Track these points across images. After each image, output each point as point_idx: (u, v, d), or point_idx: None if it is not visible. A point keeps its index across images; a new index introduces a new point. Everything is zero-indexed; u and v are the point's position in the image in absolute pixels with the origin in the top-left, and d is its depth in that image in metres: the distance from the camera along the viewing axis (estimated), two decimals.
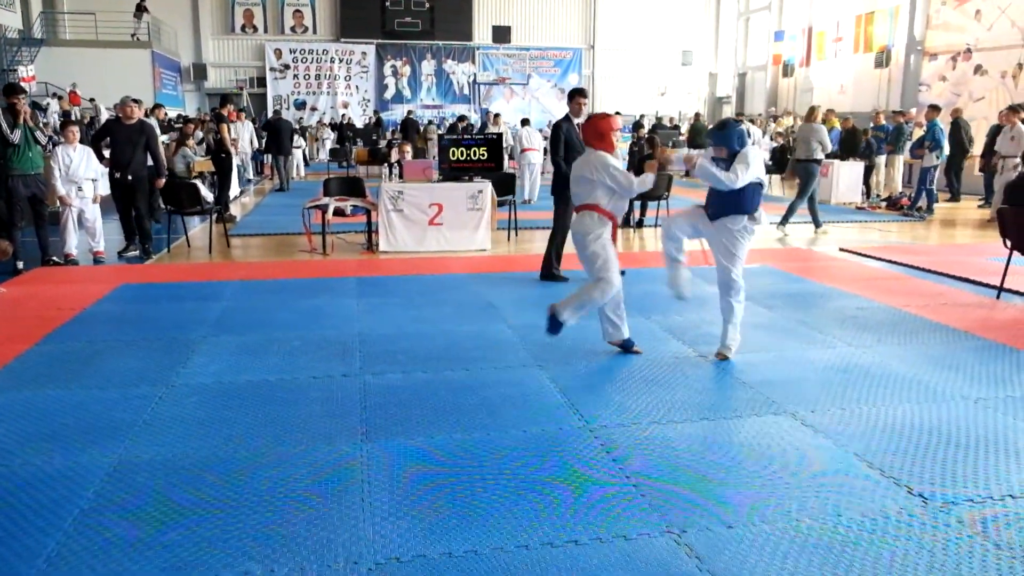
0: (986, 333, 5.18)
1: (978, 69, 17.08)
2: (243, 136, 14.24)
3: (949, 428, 3.57)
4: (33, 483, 3.00)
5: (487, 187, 8.59)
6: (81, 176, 7.75)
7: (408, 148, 11.15)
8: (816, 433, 3.52)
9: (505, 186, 9.74)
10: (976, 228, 10.73)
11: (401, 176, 8.93)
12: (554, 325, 4.46)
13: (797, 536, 2.64)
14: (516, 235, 9.62)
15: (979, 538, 2.64)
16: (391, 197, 8.39)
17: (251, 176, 17.39)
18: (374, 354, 4.69)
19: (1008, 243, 6.17)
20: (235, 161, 12.44)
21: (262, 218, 11.52)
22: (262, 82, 28.45)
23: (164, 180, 8.50)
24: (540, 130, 17.66)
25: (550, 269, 6.92)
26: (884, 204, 12.89)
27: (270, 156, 16.61)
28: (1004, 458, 3.26)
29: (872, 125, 14.71)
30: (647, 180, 4.54)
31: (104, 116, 16.52)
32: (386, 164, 9.94)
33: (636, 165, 10.04)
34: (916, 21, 19.24)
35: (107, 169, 8.22)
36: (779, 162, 16.56)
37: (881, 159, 14.04)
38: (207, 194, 8.71)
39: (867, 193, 13.76)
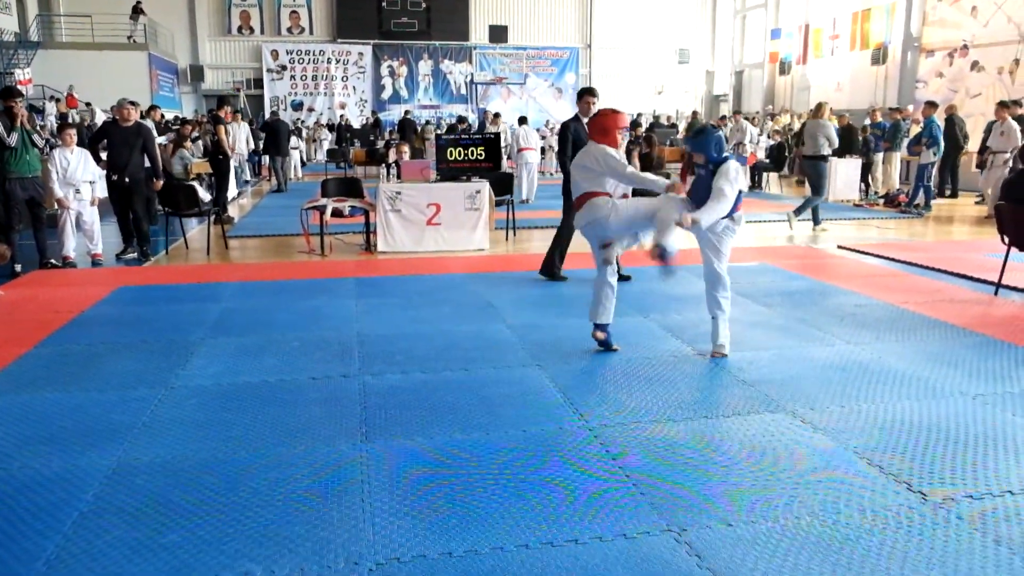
0: (984, 329, 5.18)
1: (975, 65, 17.09)
2: (239, 137, 14.24)
3: (948, 424, 3.58)
4: (32, 486, 2.99)
5: (485, 187, 8.60)
6: (79, 179, 7.75)
7: (406, 148, 11.13)
8: (815, 430, 3.53)
9: (503, 186, 9.74)
10: (973, 224, 10.75)
11: (399, 176, 8.92)
12: (664, 256, 4.33)
13: (797, 533, 2.64)
14: (514, 235, 9.62)
15: (978, 534, 2.64)
16: (389, 197, 8.39)
17: (248, 177, 17.38)
18: (373, 355, 4.69)
19: (1006, 239, 6.17)
20: (232, 162, 12.43)
21: (260, 219, 11.52)
22: (259, 83, 28.44)
23: (162, 182, 8.49)
24: (538, 129, 17.68)
25: (552, 267, 6.91)
26: (882, 201, 12.91)
27: (267, 157, 16.60)
28: (1003, 454, 3.27)
29: (869, 122, 14.72)
30: (657, 180, 4.56)
31: (100, 119, 16.51)
32: (384, 164, 9.92)
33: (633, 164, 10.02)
34: (913, 18, 19.25)
35: (104, 171, 8.21)
36: (777, 159, 16.58)
37: (878, 156, 14.05)
38: (205, 196, 8.70)
39: (865, 190, 13.78)
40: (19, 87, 13.80)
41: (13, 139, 7.09)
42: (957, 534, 2.64)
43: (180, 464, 3.19)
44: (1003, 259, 6.26)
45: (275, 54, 28.44)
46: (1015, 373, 4.30)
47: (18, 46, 21.76)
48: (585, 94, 6.78)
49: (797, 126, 18.19)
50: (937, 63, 18.30)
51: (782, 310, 5.75)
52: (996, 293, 6.22)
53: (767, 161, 16.49)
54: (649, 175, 4.64)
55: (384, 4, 28.20)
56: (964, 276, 6.86)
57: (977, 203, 12.81)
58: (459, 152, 8.67)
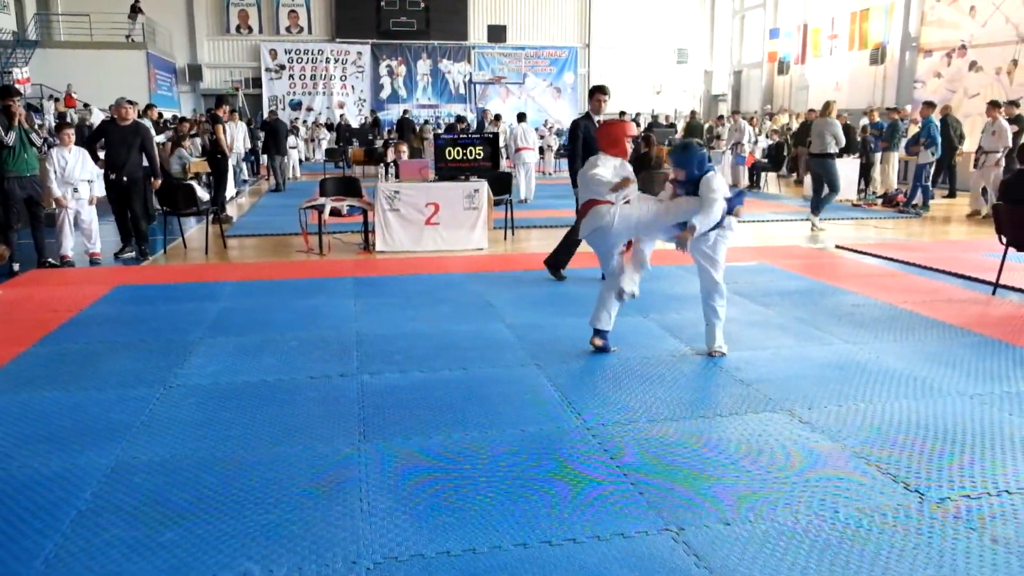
0: (982, 329, 5.19)
1: (973, 66, 17.11)
2: (236, 137, 14.23)
3: (945, 424, 3.59)
4: (31, 485, 2.99)
5: (483, 186, 8.60)
6: (77, 178, 7.75)
7: (404, 148, 11.12)
8: (813, 430, 3.53)
9: (502, 185, 9.74)
10: (971, 224, 10.75)
11: (397, 176, 8.92)
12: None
13: (795, 532, 2.65)
14: (513, 234, 9.62)
15: (975, 533, 2.64)
16: (387, 197, 8.39)
17: (246, 177, 17.37)
18: (371, 354, 4.69)
19: (1003, 239, 6.19)
20: (230, 162, 12.42)
21: (258, 219, 11.51)
22: (258, 83, 28.41)
23: (160, 181, 8.49)
24: (536, 129, 17.67)
25: (556, 262, 6.88)
26: (880, 201, 12.92)
27: (266, 156, 16.60)
28: (1000, 453, 3.27)
29: (868, 122, 14.73)
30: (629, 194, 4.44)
31: (98, 119, 16.48)
32: (382, 164, 9.93)
33: (633, 164, 10.03)
34: (911, 18, 19.28)
35: (102, 171, 8.21)
36: (775, 159, 16.59)
37: (876, 156, 14.06)
38: (203, 195, 8.70)
39: (864, 190, 13.79)
40: (17, 86, 13.78)
41: (11, 138, 7.09)
42: (954, 533, 2.65)
43: (178, 463, 3.19)
44: (1001, 259, 6.27)
45: (273, 53, 28.42)
46: (1012, 373, 4.31)
47: (16, 45, 21.72)
48: (597, 92, 6.76)
49: (795, 126, 18.21)
50: (935, 63, 18.32)
51: (780, 309, 5.76)
52: (994, 293, 6.23)
53: (765, 161, 16.49)
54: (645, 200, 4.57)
55: (383, 4, 28.18)
56: (962, 276, 6.87)
57: None
58: (457, 152, 8.67)
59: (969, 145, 13.89)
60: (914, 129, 13.35)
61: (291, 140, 18.46)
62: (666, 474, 3.09)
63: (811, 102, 21.54)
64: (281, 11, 28.38)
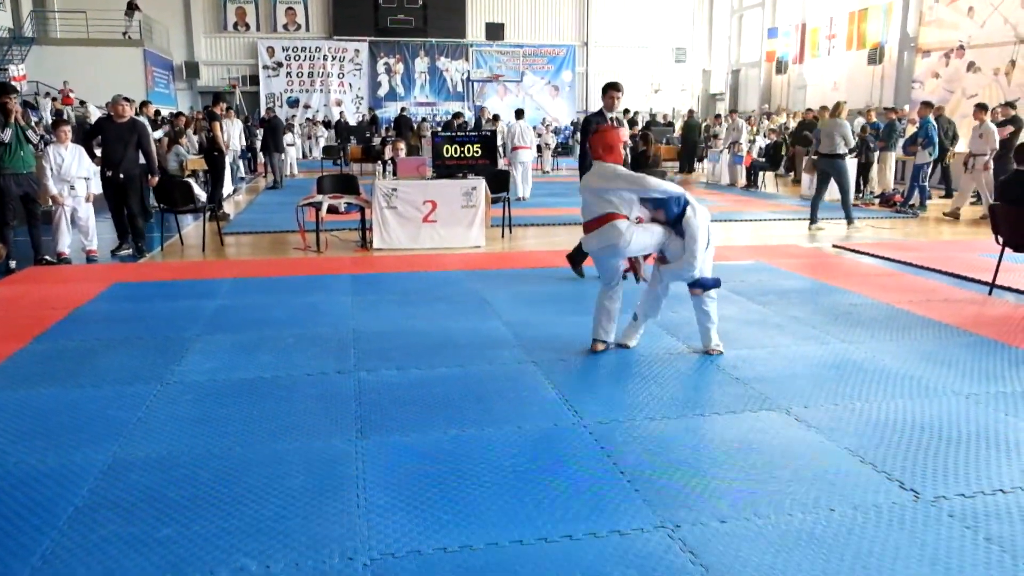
0: (978, 329, 5.20)
1: (971, 66, 17.15)
2: (232, 134, 14.23)
3: (941, 423, 3.60)
4: (27, 481, 2.99)
5: (481, 184, 8.60)
6: (73, 175, 7.74)
7: (402, 145, 11.12)
8: (809, 428, 3.54)
9: (499, 183, 9.74)
10: (968, 225, 10.78)
11: (395, 173, 8.92)
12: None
13: (789, 530, 2.66)
14: (510, 232, 9.62)
15: (970, 532, 2.65)
16: (385, 194, 8.39)
17: (243, 174, 17.36)
18: (368, 351, 4.69)
19: (1000, 239, 6.20)
20: (227, 159, 12.41)
21: (256, 216, 11.51)
22: (255, 80, 28.39)
23: (157, 178, 8.48)
24: (534, 127, 17.67)
25: (576, 259, 6.82)
26: (877, 201, 12.93)
27: (264, 154, 16.59)
28: (995, 453, 3.28)
29: (865, 122, 14.75)
30: (671, 186, 4.51)
31: (95, 116, 16.46)
32: (380, 161, 9.92)
33: (631, 162, 10.04)
34: (909, 18, 19.31)
35: (99, 168, 8.20)
36: (773, 158, 16.61)
37: (874, 156, 14.08)
38: (201, 194, 8.69)
39: (861, 190, 13.80)
40: (13, 83, 13.75)
41: (7, 135, 7.08)
42: (949, 532, 2.65)
43: (175, 459, 3.19)
44: (997, 259, 6.29)
45: (271, 51, 28.40)
46: (1008, 373, 4.32)
47: (12, 42, 21.68)
48: (610, 88, 6.68)
49: (793, 125, 18.23)
50: (933, 63, 18.36)
51: (777, 308, 5.77)
52: (990, 293, 6.24)
53: (763, 160, 16.52)
54: (665, 182, 4.55)
55: (381, 1, 28.18)
56: (958, 276, 6.88)
57: (972, 203, 12.83)
58: (455, 149, 8.68)
59: (964, 146, 13.92)
60: (911, 129, 13.37)
61: (288, 137, 18.45)
62: (662, 471, 3.10)
63: (809, 101, 21.60)
64: (278, 8, 28.36)
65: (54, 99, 19.86)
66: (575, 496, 2.90)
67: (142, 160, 8.22)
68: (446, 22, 28.92)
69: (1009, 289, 6.32)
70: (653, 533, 2.64)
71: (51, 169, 7.60)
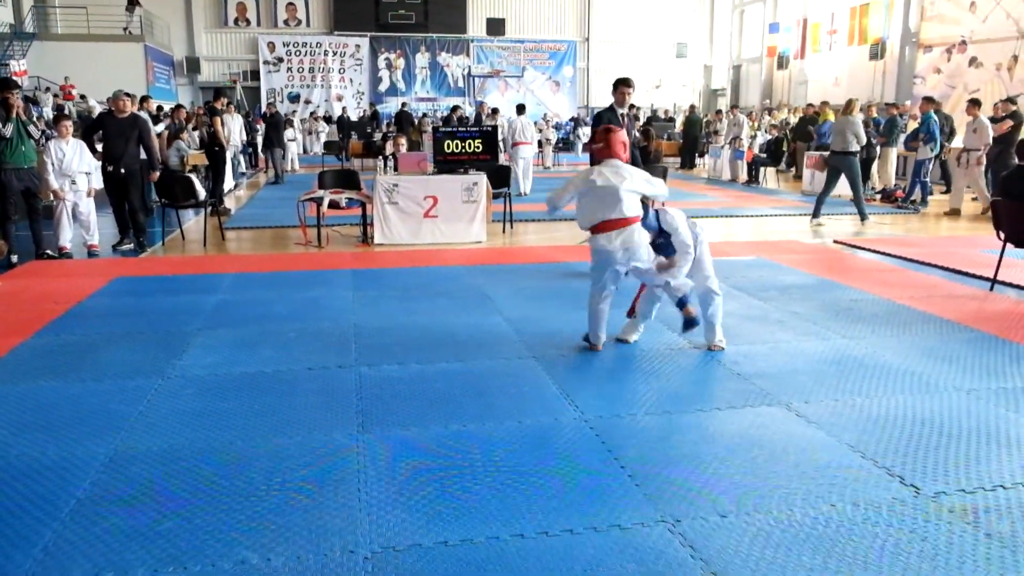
0: (979, 325, 5.20)
1: (973, 61, 17.11)
2: (233, 129, 14.22)
3: (942, 419, 3.60)
4: (30, 474, 3.00)
5: (482, 179, 8.60)
6: (74, 170, 7.74)
7: (403, 141, 11.12)
8: (809, 424, 3.55)
9: (500, 178, 9.74)
10: (970, 220, 10.77)
11: (396, 169, 8.91)
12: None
13: (790, 525, 2.66)
14: (511, 227, 9.62)
15: (970, 528, 2.66)
16: (386, 190, 8.38)
17: (244, 169, 17.36)
18: (370, 346, 4.70)
19: (1002, 235, 6.19)
20: (228, 154, 12.41)
21: (257, 211, 11.50)
22: (256, 75, 28.35)
23: (158, 173, 8.48)
24: (535, 122, 17.65)
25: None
26: (878, 197, 12.92)
27: (266, 149, 16.59)
28: (996, 449, 3.29)
29: (866, 117, 14.72)
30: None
31: (97, 111, 16.45)
32: (381, 157, 9.92)
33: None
34: (911, 13, 19.27)
35: (100, 163, 8.20)
36: (774, 154, 16.59)
37: (875, 152, 14.06)
38: (201, 191, 8.69)
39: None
40: (14, 79, 13.74)
41: (8, 130, 7.08)
42: (949, 528, 2.66)
43: (176, 453, 3.20)
44: (999, 255, 6.28)
45: (272, 46, 28.36)
46: (1009, 369, 4.32)
47: (13, 37, 21.66)
48: (621, 84, 6.62)
49: (794, 121, 18.21)
50: (935, 59, 18.33)
51: (778, 304, 5.77)
52: (991, 289, 6.24)
53: (764, 156, 16.50)
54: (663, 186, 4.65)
55: None
56: (960, 272, 6.88)
57: (974, 199, 12.82)
58: (456, 145, 8.67)
59: (959, 141, 13.91)
60: (913, 125, 13.35)
61: (289, 133, 18.44)
62: (663, 466, 3.10)
63: (810, 97, 21.55)
64: (279, 4, 28.30)
65: (55, 95, 19.84)
66: (576, 490, 2.90)
67: (143, 155, 8.22)
68: (447, 17, 28.87)
69: (1010, 285, 6.31)
70: (654, 527, 2.65)
71: (52, 164, 7.60)
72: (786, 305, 5.74)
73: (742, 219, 10.86)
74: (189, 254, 8.15)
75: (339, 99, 28.51)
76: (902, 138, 13.38)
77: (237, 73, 28.08)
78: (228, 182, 12.90)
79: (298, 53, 28.61)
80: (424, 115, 24.70)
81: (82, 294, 6.02)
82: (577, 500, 2.83)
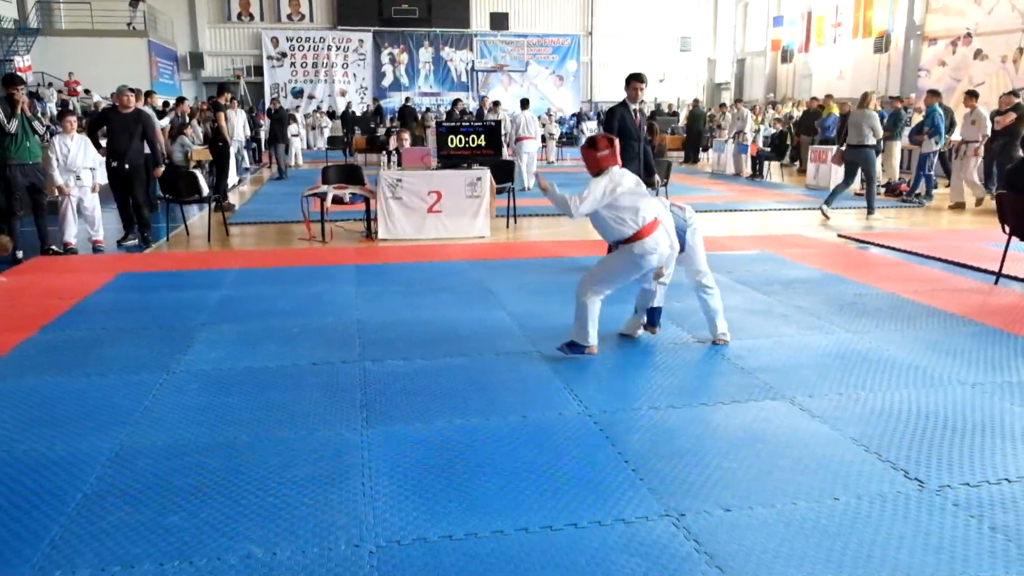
0: (984, 318, 5.19)
1: (978, 54, 17.03)
2: (236, 125, 14.24)
3: (946, 413, 3.59)
4: (36, 468, 3.02)
5: (486, 174, 8.59)
6: (79, 165, 7.76)
7: (406, 136, 11.11)
8: (813, 418, 3.55)
9: (504, 173, 9.73)
10: (975, 214, 10.74)
11: (399, 164, 8.91)
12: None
13: (794, 519, 2.66)
14: (515, 222, 9.62)
15: (975, 521, 2.66)
16: (390, 185, 8.39)
17: (248, 164, 17.38)
18: (373, 341, 4.71)
19: (1006, 229, 6.18)
20: (232, 150, 12.42)
21: (260, 206, 11.52)
22: (259, 70, 28.35)
23: (163, 169, 8.49)
24: (539, 117, 17.62)
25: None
26: (883, 190, 12.88)
27: (270, 144, 16.62)
28: (1000, 442, 3.28)
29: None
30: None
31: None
32: (384, 152, 9.92)
33: None
34: (916, 5, 19.18)
35: (104, 158, 8.22)
36: (778, 148, 16.55)
37: (879, 145, 14.02)
38: (205, 183, 8.70)
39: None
40: (19, 74, 13.76)
41: (13, 126, 7.09)
42: (953, 521, 2.66)
43: (182, 448, 3.21)
44: (1004, 249, 6.27)
45: (275, 41, 28.34)
46: (1013, 362, 4.31)
47: (18, 33, 21.68)
48: (633, 80, 6.55)
49: (798, 114, 18.15)
50: (940, 51, 18.25)
51: (782, 298, 5.76)
52: (996, 282, 6.23)
53: (768, 150, 16.46)
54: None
55: None
56: (964, 265, 6.86)
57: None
58: (459, 140, 8.67)
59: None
60: (918, 118, 13.30)
61: (293, 128, 18.45)
62: (667, 460, 3.11)
63: (814, 90, 21.49)
64: None
65: (60, 91, 19.87)
66: (580, 485, 2.91)
67: (147, 150, 8.23)
68: (450, 12, 28.82)
69: (1015, 278, 6.30)
70: (658, 521, 2.65)
71: (57, 159, 7.61)
72: (790, 299, 5.74)
73: (746, 213, 10.85)
74: (193, 250, 8.17)
75: (343, 94, 28.50)
76: (906, 132, 13.34)
77: (240, 68, 28.09)
78: (232, 178, 12.91)
79: (301, 48, 28.59)
80: (428, 110, 24.69)
81: (87, 290, 6.04)
82: (581, 494, 2.83)
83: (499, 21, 29.26)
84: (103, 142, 8.24)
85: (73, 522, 2.63)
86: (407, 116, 21.05)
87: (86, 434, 3.34)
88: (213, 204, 9.12)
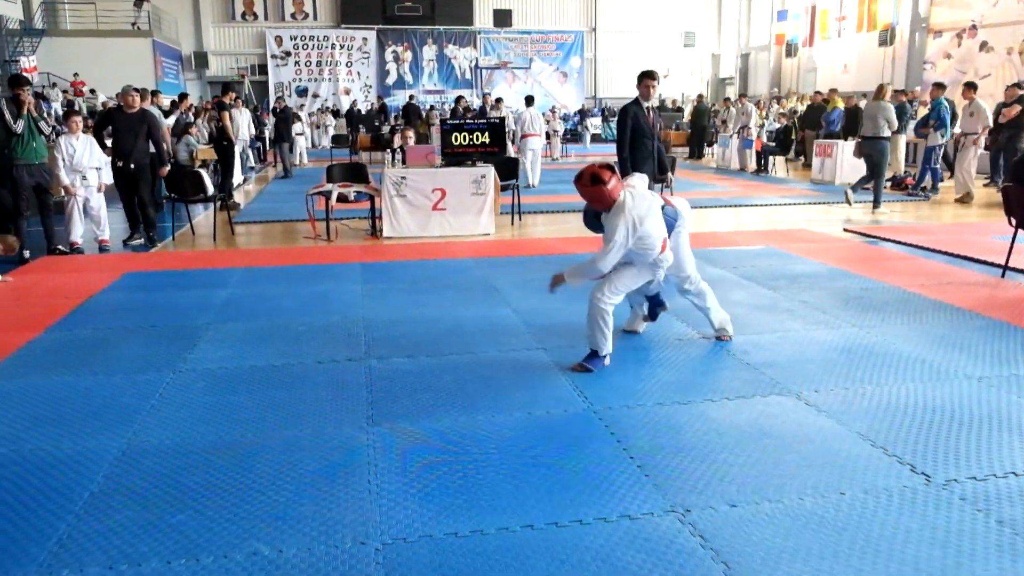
0: (990, 312, 5.17)
1: (984, 46, 16.95)
2: (241, 124, 14.26)
3: (953, 407, 3.58)
4: (44, 467, 3.03)
5: (490, 172, 8.59)
6: (85, 165, 7.78)
7: (411, 134, 11.12)
8: (819, 413, 3.54)
9: (508, 170, 9.73)
10: (981, 207, 10.69)
11: (404, 162, 8.92)
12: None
13: (800, 514, 2.66)
14: (520, 219, 9.61)
15: (981, 515, 2.65)
16: (394, 183, 8.39)
17: (253, 164, 17.41)
18: (379, 339, 4.71)
19: (1013, 221, 6.15)
20: (237, 149, 12.44)
21: (266, 205, 11.54)
22: (263, 69, 28.41)
23: (168, 169, 8.51)
24: (543, 114, 17.61)
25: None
26: (888, 184, 12.83)
27: (275, 144, 16.64)
28: (1007, 436, 3.27)
29: None
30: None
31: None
32: (389, 150, 9.93)
33: None
34: None
35: (110, 158, 8.24)
36: (783, 143, 16.51)
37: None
38: (210, 182, 8.72)
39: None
40: (24, 75, 13.82)
41: (19, 126, 7.12)
42: (960, 515, 2.65)
43: (188, 446, 3.22)
44: (1010, 241, 6.24)
45: (279, 40, 28.38)
46: (1020, 356, 4.29)
47: (23, 34, 21.76)
48: (646, 77, 6.52)
49: (802, 109, 18.09)
50: (945, 44, 18.16)
51: (787, 293, 5.75)
52: (1003, 276, 6.20)
53: (773, 145, 16.42)
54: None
55: None
56: (971, 259, 6.83)
57: (985, 184, 12.72)
58: (464, 137, 8.67)
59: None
60: (923, 111, 13.25)
61: (297, 127, 18.48)
62: (672, 456, 3.10)
63: (819, 84, 21.40)
64: None
65: (64, 91, 19.93)
66: (585, 481, 2.91)
67: (153, 150, 8.25)
68: (454, 9, 28.82)
69: (1022, 272, 6.27)
70: (663, 517, 2.65)
71: (63, 159, 7.64)
72: (796, 294, 5.72)
73: (751, 208, 10.82)
74: (199, 249, 8.19)
75: (347, 92, 28.54)
76: (912, 125, 13.29)
77: (245, 67, 28.16)
78: (237, 177, 12.93)
79: (305, 47, 28.63)
80: (432, 108, 24.69)
81: (93, 289, 6.06)
82: (587, 491, 2.83)
83: (502, 18, 29.23)
84: (108, 142, 8.26)
85: (80, 520, 2.64)
86: (411, 114, 21.05)
87: (93, 433, 3.35)
88: (218, 203, 9.14)
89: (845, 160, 13.49)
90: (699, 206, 10.71)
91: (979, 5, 17.07)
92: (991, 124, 11.12)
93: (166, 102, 13.70)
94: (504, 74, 30.07)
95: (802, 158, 17.07)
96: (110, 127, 8.27)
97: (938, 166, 11.93)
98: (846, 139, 13.78)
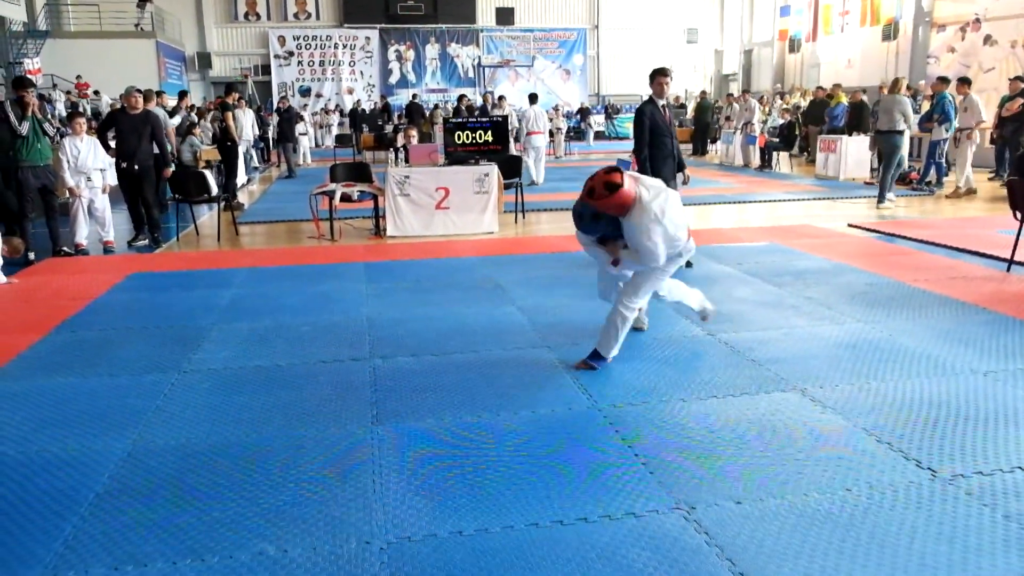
0: (996, 306, 5.15)
1: (987, 39, 16.85)
2: (244, 124, 14.28)
3: (958, 402, 3.57)
4: (49, 468, 3.04)
5: (493, 170, 8.59)
6: (90, 167, 7.80)
7: (414, 133, 11.12)
8: (825, 409, 3.53)
9: (511, 168, 9.72)
10: (986, 201, 10.65)
11: (407, 161, 8.92)
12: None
13: (805, 510, 2.65)
14: (523, 217, 9.61)
15: (987, 510, 2.64)
16: (398, 182, 8.39)
17: (256, 164, 17.43)
18: (383, 338, 4.71)
19: (1018, 215, 6.12)
20: (241, 149, 12.46)
21: (270, 205, 11.55)
22: (267, 70, 28.43)
23: (171, 169, 8.52)
24: (546, 112, 17.59)
25: None
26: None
27: (279, 144, 16.67)
28: (1014, 431, 3.26)
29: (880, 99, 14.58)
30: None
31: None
32: (392, 149, 9.93)
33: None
34: None
35: (114, 159, 8.26)
36: (787, 138, 16.46)
37: None
38: (214, 183, 8.73)
39: (877, 168, 13.66)
40: (28, 76, 13.85)
41: (24, 128, 7.14)
42: (966, 510, 2.64)
43: (193, 446, 3.23)
44: (1015, 236, 6.21)
45: (282, 40, 28.40)
46: None
47: (27, 36, 21.80)
48: (658, 75, 6.45)
49: (805, 105, 18.04)
50: (949, 37, 18.07)
51: (792, 289, 5.74)
52: (1008, 270, 6.18)
53: (777, 140, 16.38)
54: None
55: None
56: (976, 253, 6.81)
57: (990, 178, 12.68)
58: (467, 135, 8.66)
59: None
60: (927, 105, 13.20)
61: (300, 127, 18.49)
62: (677, 454, 3.10)
63: (822, 80, 21.32)
64: None
65: (68, 92, 19.98)
66: (590, 479, 2.90)
67: (157, 151, 8.27)
68: (456, 8, 28.79)
69: None
70: (668, 515, 2.65)
71: (68, 161, 7.66)
72: (800, 290, 5.71)
73: (755, 204, 10.80)
74: (203, 249, 8.20)
75: (350, 92, 28.55)
76: (916, 119, 13.23)
77: (248, 68, 28.18)
78: (241, 177, 12.95)
79: (308, 47, 28.64)
80: (435, 106, 24.68)
81: (98, 290, 6.08)
82: (591, 488, 2.83)
83: (505, 16, 29.20)
84: (112, 143, 8.28)
85: (86, 521, 2.65)
86: (414, 113, 21.05)
87: (99, 434, 3.36)
88: (222, 204, 9.15)
89: (849, 155, 13.46)
90: (703, 203, 10.70)
91: None
92: (984, 119, 11.07)
93: (171, 102, 13.71)
94: (507, 72, 30.05)
95: (806, 154, 17.02)
96: (114, 128, 8.28)
97: (943, 160, 11.89)
98: (850, 134, 13.75)
